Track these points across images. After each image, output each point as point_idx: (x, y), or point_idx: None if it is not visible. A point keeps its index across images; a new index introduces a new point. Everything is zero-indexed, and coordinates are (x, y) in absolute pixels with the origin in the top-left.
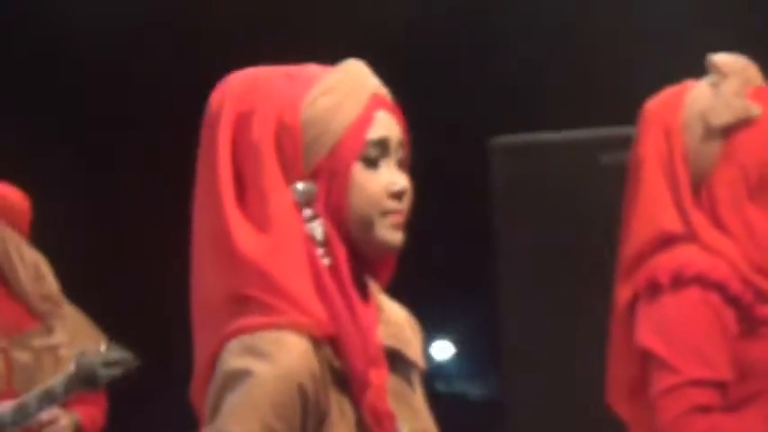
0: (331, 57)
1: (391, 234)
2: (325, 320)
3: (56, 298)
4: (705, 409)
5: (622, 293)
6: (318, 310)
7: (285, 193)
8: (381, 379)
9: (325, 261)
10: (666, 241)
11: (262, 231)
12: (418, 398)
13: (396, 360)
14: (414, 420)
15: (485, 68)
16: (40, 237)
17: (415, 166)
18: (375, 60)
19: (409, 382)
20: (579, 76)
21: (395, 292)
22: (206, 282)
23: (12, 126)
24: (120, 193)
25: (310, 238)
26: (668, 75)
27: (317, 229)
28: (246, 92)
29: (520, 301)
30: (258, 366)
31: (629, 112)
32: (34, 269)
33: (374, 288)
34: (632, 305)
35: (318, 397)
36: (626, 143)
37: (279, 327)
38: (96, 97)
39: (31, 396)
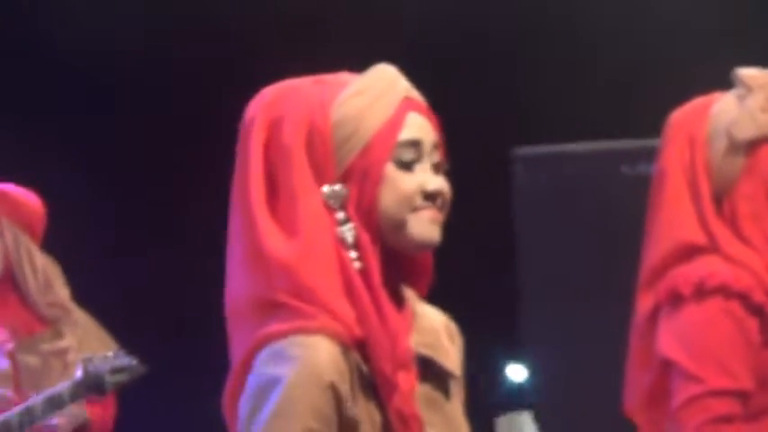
0: (358, 64)
1: (425, 228)
2: (353, 324)
3: (65, 304)
4: (727, 420)
5: (644, 303)
6: (347, 313)
7: (315, 195)
8: (410, 383)
9: (357, 265)
10: (688, 252)
11: (292, 235)
12: (455, 407)
13: (429, 368)
14: (445, 429)
15: (509, 78)
16: (52, 241)
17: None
18: (400, 68)
19: (445, 390)
20: (603, 87)
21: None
22: (237, 286)
23: (19, 127)
24: (138, 197)
25: (341, 242)
26: (693, 87)
27: (348, 233)
28: (278, 99)
29: (542, 310)
30: (289, 371)
31: (651, 124)
32: (44, 276)
33: (411, 296)
34: (654, 315)
35: (349, 399)
36: (647, 154)
37: (308, 332)
38: (113, 96)
39: (37, 400)
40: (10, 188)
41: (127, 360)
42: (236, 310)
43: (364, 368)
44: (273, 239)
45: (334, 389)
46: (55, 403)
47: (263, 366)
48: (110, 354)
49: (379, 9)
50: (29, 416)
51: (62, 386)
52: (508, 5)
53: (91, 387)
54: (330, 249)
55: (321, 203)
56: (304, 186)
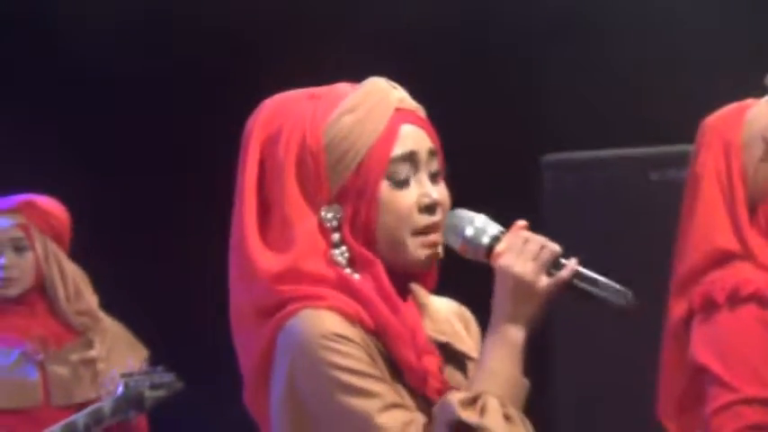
0: (375, 69)
1: (424, 253)
2: (364, 314)
3: (93, 313)
4: (759, 428)
5: (676, 309)
6: (354, 305)
7: (309, 217)
8: (436, 366)
9: (355, 277)
10: (722, 259)
11: (282, 253)
12: None
13: (448, 353)
14: None
15: (538, 84)
16: (79, 250)
17: (465, 182)
18: (429, 76)
19: (464, 373)
20: (631, 94)
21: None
22: (238, 295)
23: (37, 133)
24: (164, 205)
25: (335, 263)
26: (722, 94)
27: (341, 256)
28: (273, 115)
29: (568, 317)
30: (314, 334)
31: (680, 130)
32: (74, 285)
33: (417, 289)
34: (687, 322)
35: (376, 359)
36: (677, 161)
37: (316, 308)
38: (137, 97)
39: (79, 416)
40: (38, 198)
41: (166, 376)
42: (240, 318)
43: (384, 352)
44: (263, 258)
45: (364, 341)
46: (96, 419)
47: (283, 351)
48: (149, 369)
49: (404, 13)
50: (70, 431)
51: (104, 402)
52: (538, 11)
53: (131, 403)
54: (323, 264)
55: (314, 224)
56: (296, 208)
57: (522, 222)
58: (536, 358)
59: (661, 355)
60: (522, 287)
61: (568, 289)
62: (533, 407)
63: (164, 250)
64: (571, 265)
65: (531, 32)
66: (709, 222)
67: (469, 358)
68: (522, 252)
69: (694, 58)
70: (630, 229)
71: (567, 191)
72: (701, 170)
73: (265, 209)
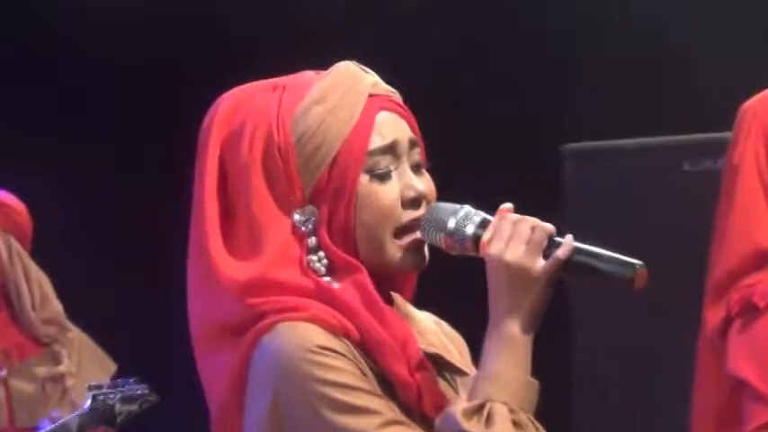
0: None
1: (407, 257)
2: (349, 325)
3: (61, 322)
4: None
5: (712, 315)
6: (340, 316)
7: (280, 221)
8: (431, 380)
9: (335, 286)
10: (763, 260)
11: (250, 261)
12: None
13: (439, 366)
14: None
15: (557, 69)
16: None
17: (483, 172)
18: (451, 66)
19: (453, 388)
20: (658, 78)
21: (459, 301)
22: (202, 308)
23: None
24: (132, 202)
25: (312, 271)
26: (764, 77)
27: (318, 263)
28: (234, 110)
29: (591, 319)
30: (296, 349)
31: (715, 116)
32: (39, 290)
33: (399, 300)
34: (723, 330)
35: (365, 371)
36: (712, 149)
37: (295, 320)
38: (102, 100)
39: None
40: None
41: (139, 389)
42: (204, 337)
43: (373, 367)
44: (228, 267)
45: (352, 354)
46: None
47: (261, 372)
48: (120, 381)
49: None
50: None
51: (70, 418)
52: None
53: (101, 418)
54: (297, 272)
55: (287, 229)
56: (264, 210)
57: (507, 205)
58: (551, 352)
59: (695, 365)
60: (516, 275)
61: (569, 269)
62: (548, 407)
63: (130, 253)
64: (568, 241)
65: (553, 18)
66: (748, 219)
67: (462, 373)
68: (511, 236)
69: (731, 38)
70: (660, 225)
71: (589, 183)
72: (740, 160)
73: (228, 214)
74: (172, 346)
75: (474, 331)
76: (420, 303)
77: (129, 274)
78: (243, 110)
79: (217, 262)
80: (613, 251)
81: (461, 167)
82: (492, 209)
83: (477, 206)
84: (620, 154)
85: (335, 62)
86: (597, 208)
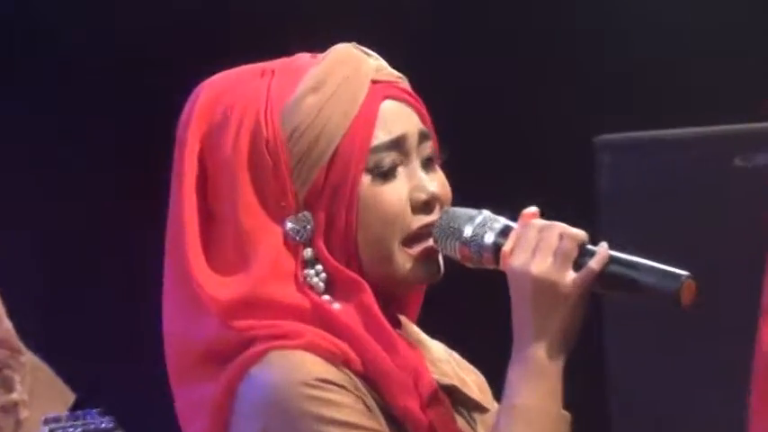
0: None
1: (418, 267)
2: (351, 354)
3: (13, 344)
4: None
5: None
6: (338, 342)
7: (270, 229)
8: (447, 417)
9: (336, 306)
10: None
11: (236, 279)
12: None
13: (454, 400)
14: None
15: (590, 52)
16: None
17: (505, 168)
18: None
19: (470, 421)
20: (710, 60)
21: (476, 323)
22: (181, 333)
23: None
24: (92, 218)
25: (308, 287)
26: None
27: (315, 278)
28: (216, 99)
29: (625, 329)
30: (292, 382)
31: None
32: None
33: (407, 323)
34: None
35: (371, 406)
36: (765, 143)
37: (289, 348)
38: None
39: None
40: None
41: (102, 421)
42: (181, 366)
43: (380, 401)
44: (210, 283)
45: (337, 384)
46: None
47: (249, 408)
48: (81, 413)
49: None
50: None
51: None
52: None
53: None
54: (292, 289)
55: (278, 238)
56: (251, 217)
57: (531, 209)
58: (584, 377)
59: (750, 390)
60: (544, 291)
61: (605, 282)
62: None
63: (94, 265)
64: (602, 250)
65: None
66: None
67: (482, 409)
68: (537, 246)
69: None
70: (707, 226)
71: (626, 179)
72: None
73: (209, 221)
74: (141, 374)
75: (494, 360)
76: (427, 327)
77: (91, 288)
78: (226, 99)
79: (197, 277)
80: (655, 260)
81: (480, 163)
82: (515, 213)
83: (498, 210)
84: (661, 146)
85: (334, 44)
86: (635, 208)
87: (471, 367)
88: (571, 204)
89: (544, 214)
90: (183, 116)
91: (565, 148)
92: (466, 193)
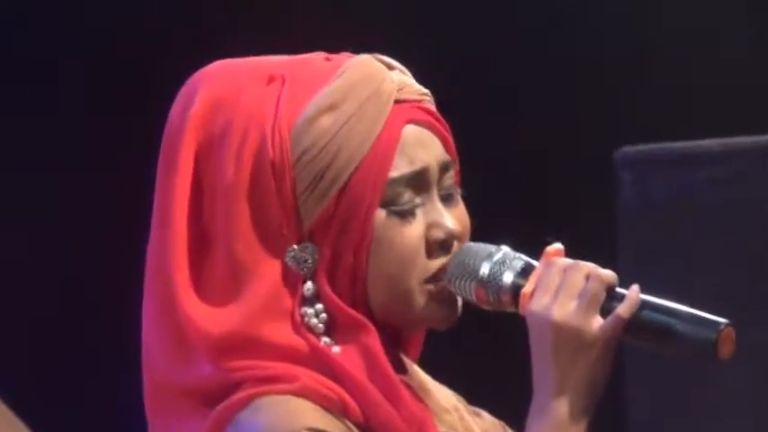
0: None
1: (434, 308)
2: (349, 401)
3: None
4: None
5: None
6: (337, 389)
7: (268, 261)
8: None
9: (335, 350)
10: None
11: (228, 312)
12: None
13: None
14: None
15: (613, 61)
16: None
17: (516, 187)
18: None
19: None
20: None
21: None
22: (163, 367)
23: None
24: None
25: (306, 328)
26: None
27: (314, 319)
28: (214, 105)
29: (649, 368)
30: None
31: None
32: None
33: (413, 368)
34: None
35: None
36: None
37: (279, 392)
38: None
39: None
40: None
41: None
42: (161, 404)
43: None
44: (199, 316)
45: None
46: None
47: None
48: None
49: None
50: None
51: None
52: None
53: None
54: (288, 329)
55: (276, 271)
56: (248, 246)
57: (555, 246)
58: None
59: None
60: (566, 338)
61: (634, 330)
62: None
63: (57, 286)
64: (633, 294)
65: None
66: None
67: None
68: (560, 288)
69: None
70: (745, 246)
71: (651, 197)
72: None
73: (201, 242)
74: (115, 411)
75: (513, 414)
76: (437, 368)
77: (56, 314)
78: (227, 107)
79: (184, 306)
80: (685, 299)
81: (491, 181)
82: (527, 239)
83: (508, 238)
84: (691, 159)
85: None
86: (661, 229)
87: (480, 411)
88: (588, 224)
89: (564, 248)
90: (175, 115)
91: (583, 162)
92: (477, 211)
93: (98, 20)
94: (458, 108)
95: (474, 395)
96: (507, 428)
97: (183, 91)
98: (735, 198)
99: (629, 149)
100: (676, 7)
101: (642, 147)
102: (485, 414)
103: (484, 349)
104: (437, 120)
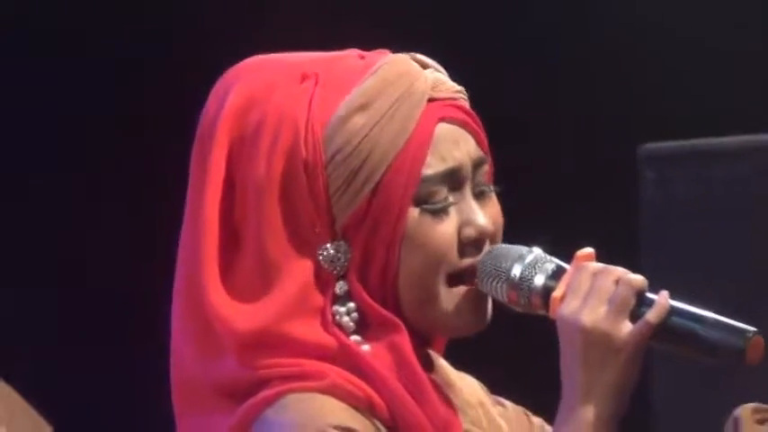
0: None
1: (463, 313)
2: (379, 401)
3: None
4: None
5: None
6: (366, 387)
7: (300, 259)
8: None
9: (365, 348)
10: None
11: (257, 309)
12: None
13: None
14: None
15: (632, 50)
16: None
17: (530, 189)
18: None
19: None
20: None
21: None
22: (191, 362)
23: None
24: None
25: (337, 326)
26: None
27: (346, 317)
28: (248, 102)
29: (673, 374)
30: (308, 429)
31: None
32: None
33: (438, 361)
34: None
35: None
36: None
37: (307, 390)
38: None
39: None
40: None
41: None
42: (191, 398)
43: None
44: (228, 313)
45: (353, 430)
46: None
47: None
48: None
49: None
50: None
51: None
52: None
53: None
54: (318, 327)
55: (308, 269)
56: (280, 243)
57: (585, 251)
58: None
59: None
60: (595, 343)
61: (663, 336)
62: None
63: (74, 280)
64: (662, 300)
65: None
66: None
67: None
68: (589, 293)
69: None
70: (765, 247)
71: (675, 195)
72: None
73: (232, 240)
74: (133, 405)
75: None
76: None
77: (73, 306)
78: (260, 105)
79: (213, 303)
80: (723, 311)
81: (511, 179)
82: (552, 234)
83: (536, 232)
84: (713, 156)
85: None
86: (685, 228)
87: (503, 400)
88: (611, 220)
89: (593, 251)
90: (210, 111)
91: (605, 159)
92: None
93: (98, 20)
94: (478, 107)
95: (504, 395)
96: (530, 415)
97: (218, 87)
98: (756, 194)
99: (651, 146)
100: (699, 4)
101: (664, 144)
102: (507, 403)
103: (515, 352)
104: (471, 117)
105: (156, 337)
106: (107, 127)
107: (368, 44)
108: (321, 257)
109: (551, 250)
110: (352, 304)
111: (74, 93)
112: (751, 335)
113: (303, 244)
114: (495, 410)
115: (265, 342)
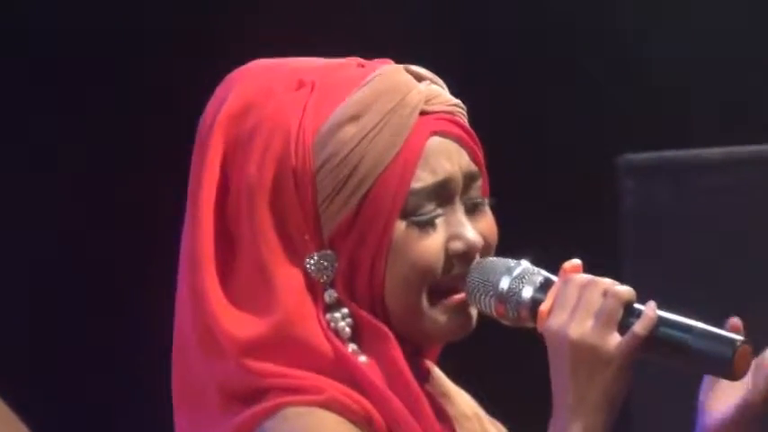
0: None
1: (448, 320)
2: (377, 415)
3: None
4: None
5: None
6: (363, 401)
7: (289, 267)
8: None
9: (362, 359)
10: None
11: (257, 314)
12: None
13: None
14: None
15: (617, 65)
16: None
17: (511, 199)
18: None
19: None
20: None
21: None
22: (195, 366)
23: None
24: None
25: (334, 332)
26: None
27: (341, 322)
28: (244, 107)
29: (657, 390)
30: None
31: None
32: None
33: (434, 373)
34: None
35: None
36: None
37: (305, 404)
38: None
39: None
40: None
41: None
42: (198, 394)
43: None
44: (229, 319)
45: None
46: None
47: None
48: None
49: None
50: None
51: None
52: None
53: None
54: (318, 333)
55: (299, 276)
56: (269, 250)
57: (572, 262)
58: None
59: None
60: (583, 356)
61: (651, 347)
62: None
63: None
64: (650, 311)
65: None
66: None
67: None
68: (577, 305)
69: None
70: (746, 255)
71: (655, 206)
72: None
73: (226, 241)
74: (114, 409)
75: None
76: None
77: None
78: (256, 110)
79: (213, 309)
80: (704, 320)
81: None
82: (533, 245)
83: (506, 247)
84: (696, 168)
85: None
86: (666, 239)
87: (496, 422)
88: (591, 230)
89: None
90: (208, 114)
91: (586, 169)
92: None
93: (97, 20)
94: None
95: (494, 412)
96: None
97: (219, 90)
98: (737, 206)
99: (631, 157)
100: (681, 14)
101: (645, 154)
102: (500, 426)
103: (505, 366)
104: (465, 131)
105: (138, 339)
106: (107, 127)
107: (368, 50)
108: (308, 266)
109: (532, 262)
110: (345, 309)
111: (74, 93)
112: (739, 344)
113: (293, 250)
114: (489, 425)
115: (266, 348)
